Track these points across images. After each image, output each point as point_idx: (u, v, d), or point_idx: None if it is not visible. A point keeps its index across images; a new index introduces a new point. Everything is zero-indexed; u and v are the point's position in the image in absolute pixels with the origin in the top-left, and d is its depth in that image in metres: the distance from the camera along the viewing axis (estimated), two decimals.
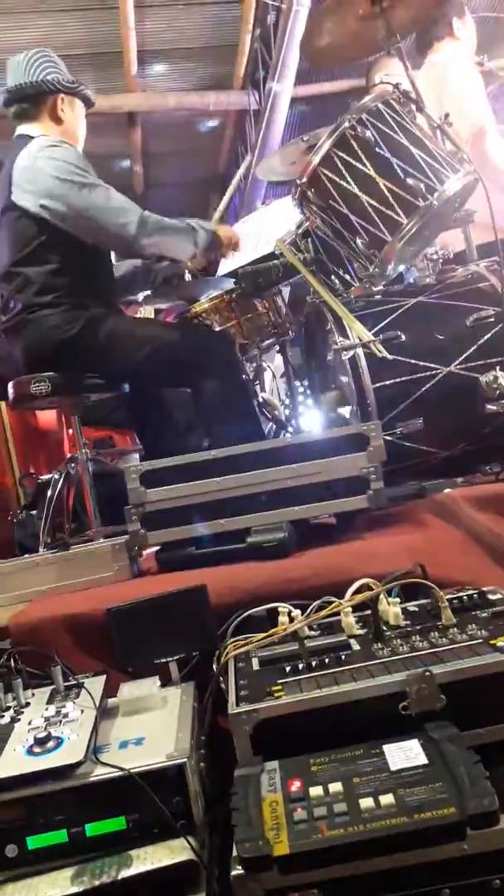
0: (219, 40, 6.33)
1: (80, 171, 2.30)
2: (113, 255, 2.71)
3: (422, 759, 0.97)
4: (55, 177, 2.27)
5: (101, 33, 5.87)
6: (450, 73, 3.01)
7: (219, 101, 6.65)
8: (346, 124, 2.04)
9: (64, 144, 2.37)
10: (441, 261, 2.35)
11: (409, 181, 1.99)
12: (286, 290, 3.04)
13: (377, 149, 2.02)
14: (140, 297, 3.40)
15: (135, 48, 6.05)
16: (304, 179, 2.12)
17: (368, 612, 1.27)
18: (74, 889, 0.96)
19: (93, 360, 2.33)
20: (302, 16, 5.04)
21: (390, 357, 2.02)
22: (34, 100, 2.45)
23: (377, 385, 2.05)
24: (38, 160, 2.30)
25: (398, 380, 2.06)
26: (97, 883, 0.96)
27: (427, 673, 1.06)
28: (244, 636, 1.31)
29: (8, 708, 1.22)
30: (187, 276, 2.96)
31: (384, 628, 1.25)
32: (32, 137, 2.38)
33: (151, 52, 6.33)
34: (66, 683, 1.27)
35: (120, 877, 0.96)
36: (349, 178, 2.05)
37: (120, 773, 1.02)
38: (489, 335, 2.07)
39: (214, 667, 1.28)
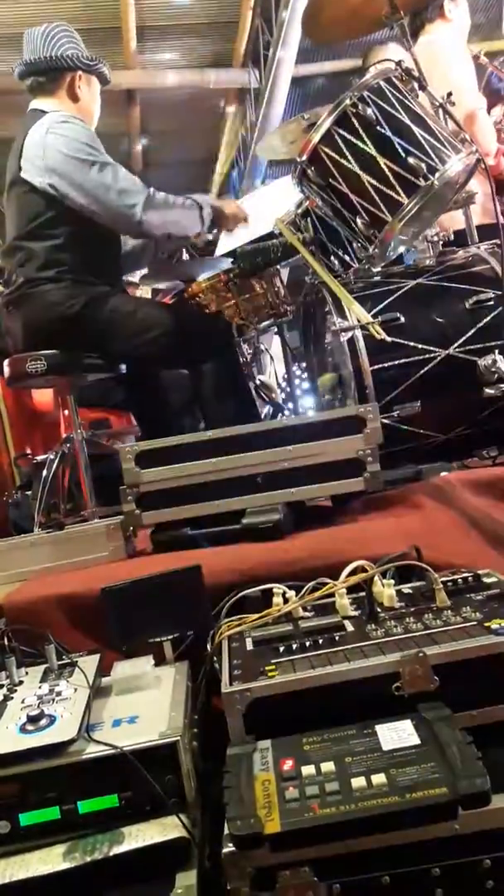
0: (220, 17, 6.26)
1: (90, 148, 2.27)
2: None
3: (414, 740, 0.97)
4: (64, 154, 2.25)
5: (100, 8, 5.79)
6: (441, 59, 2.97)
7: (219, 79, 6.58)
8: (348, 101, 2.01)
9: (76, 121, 2.34)
10: (441, 243, 2.34)
11: (410, 160, 1.96)
12: (285, 272, 3.02)
13: (378, 127, 2.00)
14: (137, 277, 3.38)
15: (134, 24, 5.98)
16: (305, 157, 2.10)
17: (363, 593, 1.27)
18: (66, 865, 0.96)
19: (92, 339, 2.32)
20: None
21: (389, 339, 2.01)
22: (51, 75, 2.41)
23: (375, 367, 2.03)
24: (49, 136, 2.27)
25: (396, 362, 2.05)
26: (89, 859, 0.96)
27: (421, 654, 1.06)
28: (238, 616, 1.31)
29: (1, 686, 1.22)
30: (185, 256, 2.93)
31: (378, 610, 1.25)
32: (46, 112, 2.34)
33: (151, 29, 6.25)
34: (59, 662, 1.27)
35: (111, 853, 0.96)
36: (350, 157, 2.02)
37: (112, 750, 1.02)
38: (488, 318, 2.06)
39: (208, 647, 1.28)
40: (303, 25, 5.25)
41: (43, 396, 3.38)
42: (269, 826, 0.88)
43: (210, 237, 2.80)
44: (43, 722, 1.06)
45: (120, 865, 0.96)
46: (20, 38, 2.49)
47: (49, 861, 0.97)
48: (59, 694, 1.15)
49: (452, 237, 2.42)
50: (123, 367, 2.49)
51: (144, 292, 3.64)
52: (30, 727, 1.05)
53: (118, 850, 0.97)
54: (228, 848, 0.90)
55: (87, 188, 2.24)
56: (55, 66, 2.39)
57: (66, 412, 2.83)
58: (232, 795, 0.92)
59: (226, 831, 0.89)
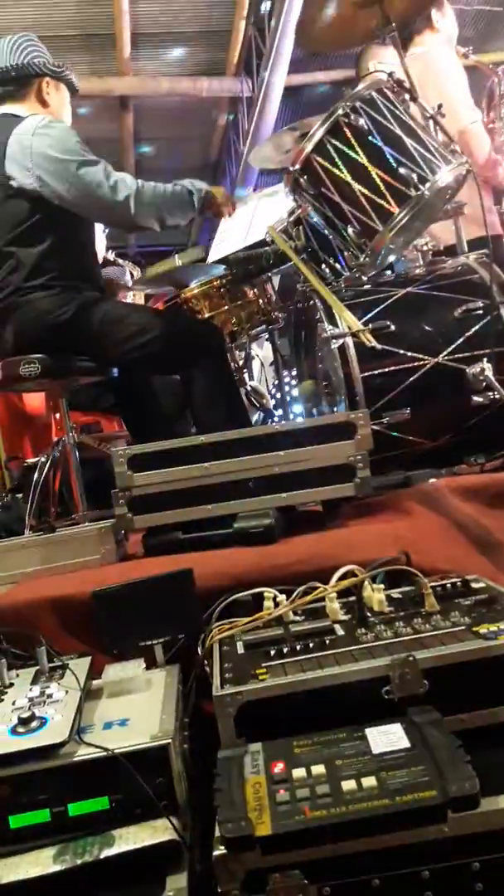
0: (213, 26, 6.29)
1: (78, 147, 2.28)
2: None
3: (404, 743, 0.97)
4: (52, 154, 2.25)
5: (95, 15, 5.81)
6: (434, 71, 3.00)
7: (212, 88, 6.61)
8: (340, 111, 2.04)
9: (59, 122, 2.35)
10: (431, 252, 2.36)
11: (402, 171, 1.99)
12: (276, 279, 3.04)
13: (370, 137, 2.03)
14: (129, 282, 3.38)
15: (128, 31, 6.00)
16: (297, 166, 2.12)
17: (353, 598, 1.28)
18: (56, 868, 0.96)
19: (84, 345, 2.32)
20: (296, 2, 5.02)
21: (379, 347, 2.03)
22: (19, 82, 2.42)
23: (365, 374, 2.05)
24: (35, 138, 2.27)
25: (386, 369, 2.07)
26: (79, 862, 0.96)
27: (410, 658, 1.07)
28: (229, 620, 1.32)
29: None
30: (177, 261, 2.94)
31: (368, 614, 1.26)
32: (19, 116, 2.35)
33: (145, 36, 6.27)
34: (50, 664, 1.27)
35: (102, 856, 0.96)
36: (342, 166, 2.05)
37: (103, 753, 1.02)
38: (477, 327, 2.08)
39: (199, 650, 1.29)
40: (296, 35, 5.30)
41: (34, 400, 3.38)
42: (260, 828, 0.88)
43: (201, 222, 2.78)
44: (34, 724, 1.06)
45: (110, 868, 0.96)
46: None
47: (39, 864, 0.97)
48: (50, 696, 1.15)
49: (442, 247, 2.45)
50: (115, 371, 2.49)
51: (137, 297, 3.65)
52: (21, 729, 1.05)
53: (108, 852, 0.97)
54: (219, 850, 0.90)
55: (78, 186, 2.24)
56: (22, 72, 2.41)
57: (58, 415, 2.83)
58: (223, 798, 0.93)
59: (217, 834, 0.89)
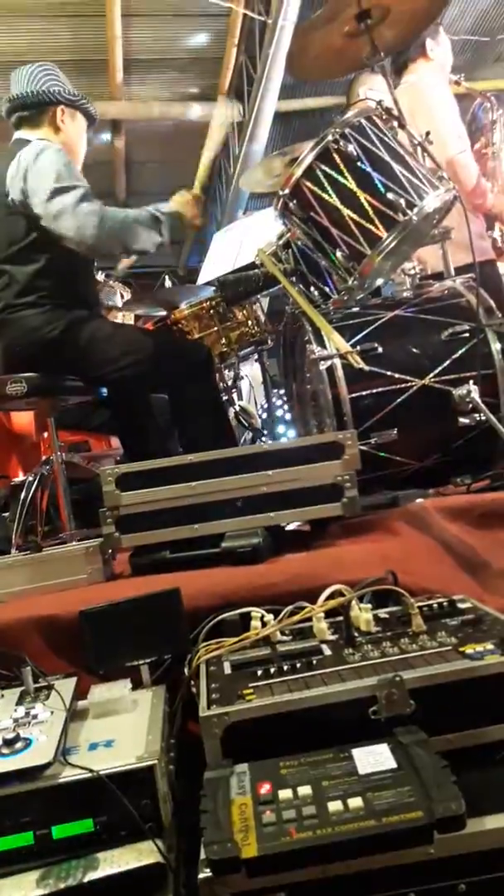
0: (205, 52, 6.39)
1: (62, 173, 2.30)
2: None
3: (391, 764, 0.97)
4: (34, 180, 2.29)
5: (88, 40, 5.89)
6: (425, 99, 3.06)
7: (204, 113, 6.69)
8: (330, 137, 2.08)
9: (56, 149, 2.38)
10: (418, 276, 2.40)
11: (390, 196, 2.02)
12: (266, 301, 3.07)
13: (359, 163, 2.06)
14: (119, 303, 3.40)
15: (121, 56, 6.08)
16: (287, 190, 2.15)
17: (340, 617, 1.28)
18: (40, 892, 0.94)
19: (72, 363, 2.33)
20: (287, 31, 5.12)
21: (367, 368, 2.05)
22: (35, 109, 2.48)
23: (353, 395, 2.07)
24: (33, 160, 2.31)
25: (374, 391, 2.09)
26: (63, 886, 0.95)
27: (397, 678, 1.07)
28: (216, 640, 1.31)
29: None
30: (167, 283, 2.97)
31: (355, 634, 1.26)
32: (28, 141, 2.39)
33: (137, 62, 6.36)
34: (36, 685, 1.26)
35: (86, 879, 0.95)
36: (331, 191, 2.08)
37: (88, 774, 1.01)
38: (463, 350, 2.11)
39: (186, 670, 1.28)
40: (286, 64, 5.40)
41: (21, 418, 3.37)
42: (246, 850, 0.87)
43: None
44: (18, 745, 1.05)
45: (95, 892, 0.95)
46: (11, 67, 2.54)
47: (22, 888, 0.95)
48: (35, 717, 1.14)
49: (430, 272, 2.48)
50: (104, 390, 2.50)
51: (126, 318, 3.67)
52: (5, 750, 1.04)
53: (93, 876, 0.96)
54: (205, 873, 0.89)
55: (47, 212, 2.28)
56: (38, 100, 2.46)
57: (46, 434, 2.83)
58: (208, 819, 0.92)
59: (202, 856, 0.89)
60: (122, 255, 2.42)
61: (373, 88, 2.94)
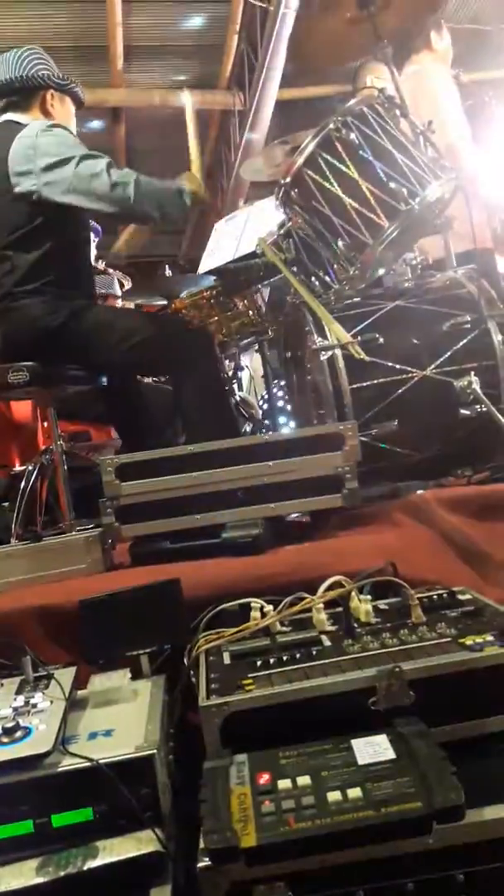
0: (206, 40, 6.34)
1: (78, 146, 2.30)
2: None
3: (390, 754, 0.97)
4: (56, 150, 2.26)
5: (88, 27, 5.85)
6: (429, 89, 3.06)
7: (204, 101, 6.65)
8: (331, 126, 2.06)
9: (59, 127, 2.36)
10: (420, 266, 2.38)
11: (392, 185, 2.01)
12: (266, 291, 3.06)
13: (361, 152, 2.05)
14: (118, 291, 3.39)
15: (121, 43, 6.03)
16: (288, 179, 2.14)
17: (340, 608, 1.28)
18: (39, 879, 0.95)
19: (74, 351, 2.32)
20: (289, 18, 5.08)
21: (368, 359, 2.04)
22: (23, 93, 2.46)
23: (354, 386, 2.06)
24: (40, 137, 2.29)
25: (374, 382, 2.08)
26: (62, 874, 0.95)
27: (397, 669, 1.07)
28: (216, 630, 1.31)
29: None
30: (167, 272, 2.96)
31: (355, 625, 1.26)
32: (21, 123, 2.36)
33: (138, 49, 6.31)
34: (35, 674, 1.26)
35: (86, 867, 0.95)
36: (332, 180, 2.06)
37: (88, 763, 1.01)
38: (465, 341, 2.10)
39: (185, 660, 1.28)
40: (288, 50, 5.36)
41: (22, 408, 3.36)
42: (245, 840, 0.88)
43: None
44: (18, 734, 1.05)
45: (94, 880, 0.95)
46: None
47: (22, 876, 0.96)
48: (34, 706, 1.14)
49: (431, 262, 2.47)
50: (104, 379, 2.49)
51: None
52: (5, 739, 1.04)
53: (92, 864, 0.96)
54: (204, 862, 0.89)
55: (81, 175, 2.23)
56: (26, 84, 2.44)
57: (46, 424, 2.82)
58: (208, 809, 0.92)
59: (201, 845, 0.89)
60: (156, 219, 2.37)
61: (379, 76, 2.92)
